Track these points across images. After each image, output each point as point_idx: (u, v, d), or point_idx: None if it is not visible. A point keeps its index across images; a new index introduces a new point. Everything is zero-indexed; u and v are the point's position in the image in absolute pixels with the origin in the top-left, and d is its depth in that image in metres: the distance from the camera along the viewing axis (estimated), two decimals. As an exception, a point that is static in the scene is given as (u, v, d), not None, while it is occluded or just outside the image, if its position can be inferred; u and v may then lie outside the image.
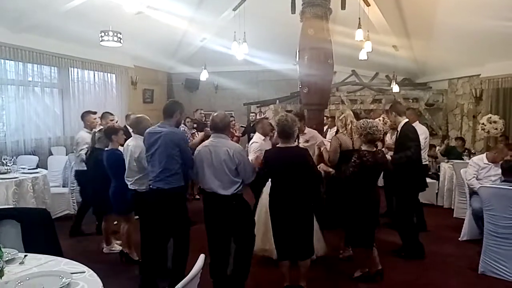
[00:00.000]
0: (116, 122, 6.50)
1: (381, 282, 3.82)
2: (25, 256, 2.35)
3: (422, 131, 5.35)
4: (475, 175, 5.06)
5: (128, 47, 7.39)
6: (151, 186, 3.55)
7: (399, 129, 4.50)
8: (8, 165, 5.33)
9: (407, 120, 4.52)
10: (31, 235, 2.96)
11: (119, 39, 6.13)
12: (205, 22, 8.86)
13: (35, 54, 6.97)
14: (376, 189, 3.85)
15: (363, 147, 3.73)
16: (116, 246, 4.73)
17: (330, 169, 4.05)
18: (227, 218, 3.42)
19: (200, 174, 3.46)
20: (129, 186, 3.96)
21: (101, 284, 2.01)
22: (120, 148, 4.32)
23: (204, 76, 9.50)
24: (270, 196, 3.53)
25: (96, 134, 4.76)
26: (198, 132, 5.99)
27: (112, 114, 5.99)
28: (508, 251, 3.88)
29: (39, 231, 3.05)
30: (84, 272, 2.14)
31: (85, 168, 5.09)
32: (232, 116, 8.00)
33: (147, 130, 3.64)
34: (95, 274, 2.11)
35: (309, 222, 3.52)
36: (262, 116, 10.62)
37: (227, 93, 11.76)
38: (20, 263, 2.26)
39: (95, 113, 5.65)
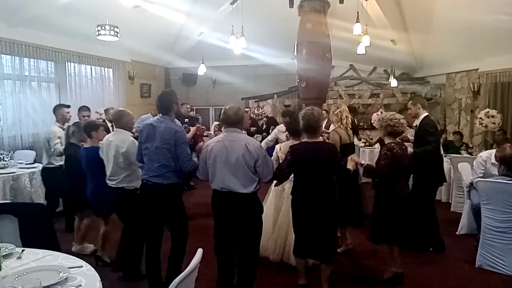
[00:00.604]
0: (103, 121, 6.53)
1: (377, 275, 3.84)
2: (23, 251, 2.36)
3: None
4: (481, 175, 4.75)
5: (125, 41, 7.34)
6: (145, 181, 3.35)
7: (418, 122, 4.52)
8: (5, 160, 5.32)
9: (427, 114, 4.54)
10: (29, 230, 2.96)
11: (116, 33, 6.09)
12: (202, 16, 8.82)
13: (32, 48, 6.92)
14: (405, 181, 3.75)
15: (386, 140, 3.67)
16: (90, 247, 4.48)
17: (362, 161, 3.84)
18: (244, 218, 3.18)
19: (212, 172, 3.19)
20: (112, 185, 3.70)
21: (98, 278, 2.01)
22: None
23: (201, 70, 9.45)
24: (293, 192, 3.37)
25: (70, 127, 4.50)
26: (190, 127, 5.89)
27: (88, 110, 5.91)
28: (505, 245, 3.90)
29: (37, 226, 3.04)
30: (81, 266, 2.14)
31: (53, 165, 5.07)
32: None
33: (147, 122, 3.46)
34: (92, 269, 2.12)
35: (333, 223, 3.34)
36: (261, 111, 10.65)
37: (225, 88, 11.72)
38: (17, 258, 2.27)
39: (68, 106, 5.48)
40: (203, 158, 3.26)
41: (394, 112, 3.78)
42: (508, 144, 4.86)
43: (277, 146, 4.38)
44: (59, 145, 4.98)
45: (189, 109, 8.07)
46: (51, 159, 5.15)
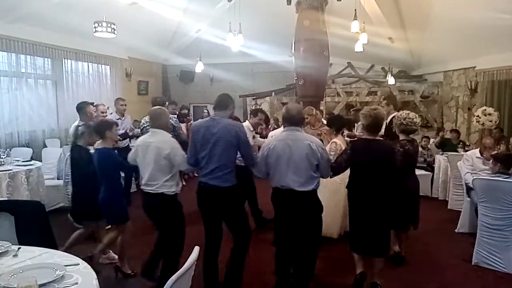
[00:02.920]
0: (111, 114, 6.47)
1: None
2: (19, 248, 2.35)
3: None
4: (469, 170, 5.02)
5: (122, 38, 7.31)
6: (203, 184, 3.25)
7: (388, 120, 4.82)
8: (2, 158, 5.29)
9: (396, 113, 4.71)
10: (25, 228, 2.95)
11: (113, 30, 6.04)
12: (199, 12, 8.79)
13: (28, 45, 6.89)
14: (415, 177, 4.01)
15: (400, 137, 3.92)
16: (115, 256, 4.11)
17: None
18: (303, 216, 3.20)
19: (273, 170, 3.22)
20: (150, 191, 3.36)
21: (95, 276, 2.00)
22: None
23: (199, 68, 9.44)
24: (351, 189, 3.43)
25: (78, 128, 4.06)
26: (181, 124, 5.82)
27: (93, 105, 5.47)
28: (501, 243, 3.92)
29: (33, 223, 3.03)
30: (78, 264, 2.13)
31: None
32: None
33: (201, 123, 3.31)
34: (89, 266, 2.11)
35: (387, 219, 3.41)
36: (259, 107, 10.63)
37: (223, 85, 11.69)
38: (13, 256, 2.25)
39: (93, 103, 5.21)
40: (263, 156, 3.27)
41: (409, 112, 4.01)
42: (488, 136, 5.40)
43: (335, 141, 4.62)
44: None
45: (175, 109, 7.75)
46: None
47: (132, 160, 3.53)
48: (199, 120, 3.55)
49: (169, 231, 3.43)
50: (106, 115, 6.06)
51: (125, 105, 6.62)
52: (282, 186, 3.18)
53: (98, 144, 3.73)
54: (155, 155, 3.28)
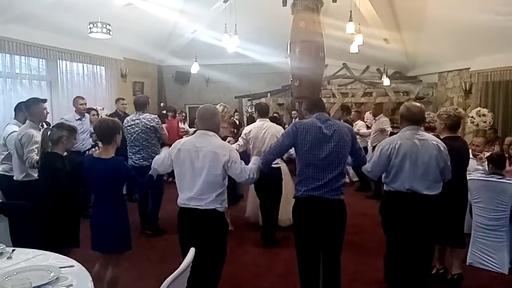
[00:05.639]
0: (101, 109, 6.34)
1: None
2: (13, 250, 2.34)
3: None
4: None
5: (117, 39, 7.29)
6: (305, 196, 2.79)
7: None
8: (-4, 159, 5.25)
9: None
10: (19, 230, 2.94)
11: (108, 31, 6.05)
12: (195, 13, 8.78)
13: (23, 46, 6.83)
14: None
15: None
16: None
17: None
18: (426, 220, 2.98)
19: (396, 172, 2.96)
20: (199, 207, 2.76)
21: (90, 278, 2.00)
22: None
23: (195, 68, 9.43)
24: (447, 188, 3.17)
25: (54, 131, 3.14)
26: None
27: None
28: (496, 243, 3.94)
29: (27, 225, 3.02)
30: (73, 266, 2.13)
31: (33, 177, 3.93)
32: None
33: (310, 124, 2.82)
34: (84, 268, 2.10)
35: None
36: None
37: (218, 86, 11.71)
38: (7, 258, 2.25)
39: (45, 101, 4.25)
40: (382, 155, 3.00)
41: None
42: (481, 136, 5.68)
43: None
44: (34, 154, 3.83)
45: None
46: (28, 170, 4.02)
47: (164, 167, 2.99)
48: (302, 120, 3.02)
49: (215, 249, 2.88)
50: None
51: (85, 104, 6.23)
52: (407, 190, 2.94)
53: (96, 152, 3.09)
54: (210, 164, 2.74)
